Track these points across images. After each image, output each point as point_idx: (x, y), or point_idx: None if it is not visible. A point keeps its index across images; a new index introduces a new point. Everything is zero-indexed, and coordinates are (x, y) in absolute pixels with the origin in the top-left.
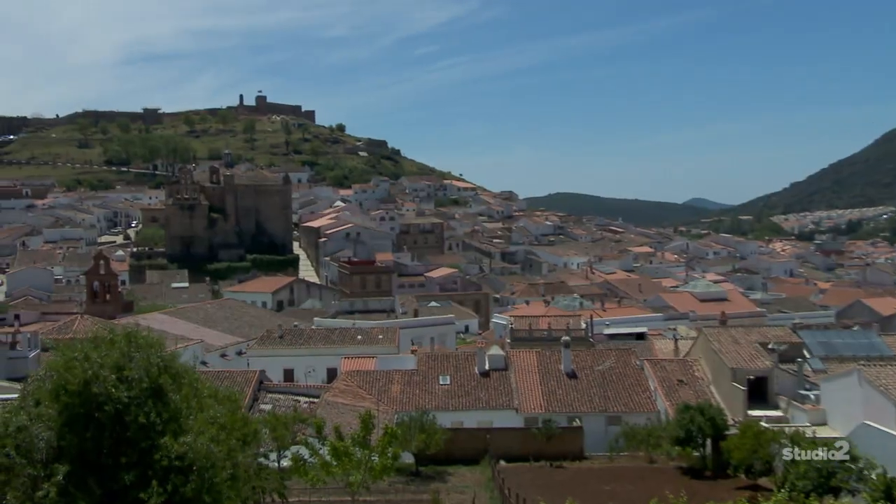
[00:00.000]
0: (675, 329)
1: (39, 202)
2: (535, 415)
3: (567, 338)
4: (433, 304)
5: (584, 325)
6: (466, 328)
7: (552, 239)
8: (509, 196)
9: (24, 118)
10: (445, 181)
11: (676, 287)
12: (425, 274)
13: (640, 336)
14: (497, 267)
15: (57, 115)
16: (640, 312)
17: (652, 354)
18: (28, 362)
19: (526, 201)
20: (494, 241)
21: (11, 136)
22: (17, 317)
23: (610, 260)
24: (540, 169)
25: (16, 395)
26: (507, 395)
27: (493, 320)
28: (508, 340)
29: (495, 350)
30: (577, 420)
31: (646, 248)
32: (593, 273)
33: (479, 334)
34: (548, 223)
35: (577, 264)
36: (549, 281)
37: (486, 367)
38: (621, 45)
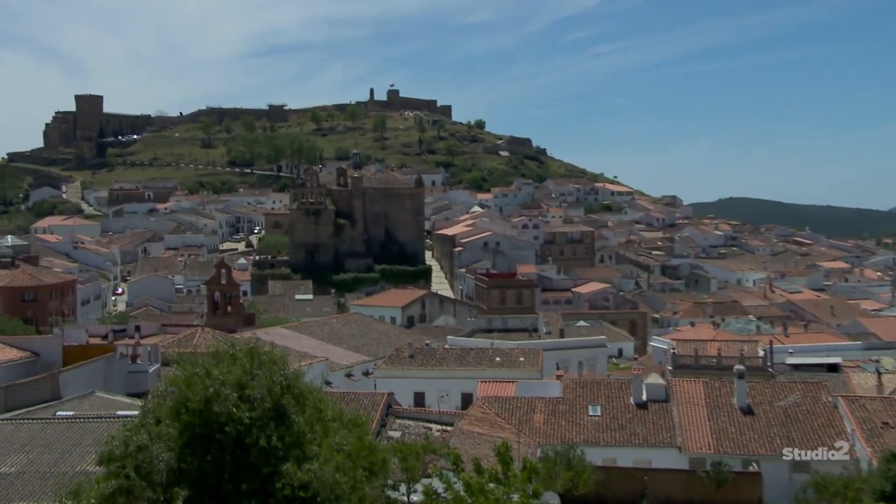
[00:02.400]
0: (877, 361)
1: (161, 206)
2: (703, 455)
3: (741, 367)
4: (582, 323)
5: (761, 353)
6: (620, 352)
7: (723, 251)
8: (672, 201)
9: (148, 116)
10: (597, 184)
11: (879, 311)
12: (573, 289)
13: (833, 368)
14: (657, 282)
15: (180, 113)
16: (833, 340)
17: (848, 390)
18: (148, 377)
19: (692, 207)
20: (654, 252)
21: (135, 136)
22: (137, 328)
23: (794, 276)
24: (709, 170)
25: (136, 412)
26: (668, 430)
27: (652, 344)
28: (670, 368)
29: (654, 378)
30: (753, 464)
31: (840, 264)
32: (773, 292)
33: (635, 359)
34: (718, 232)
35: (754, 281)
36: (719, 300)
37: (644, 397)
38: (811, 24)
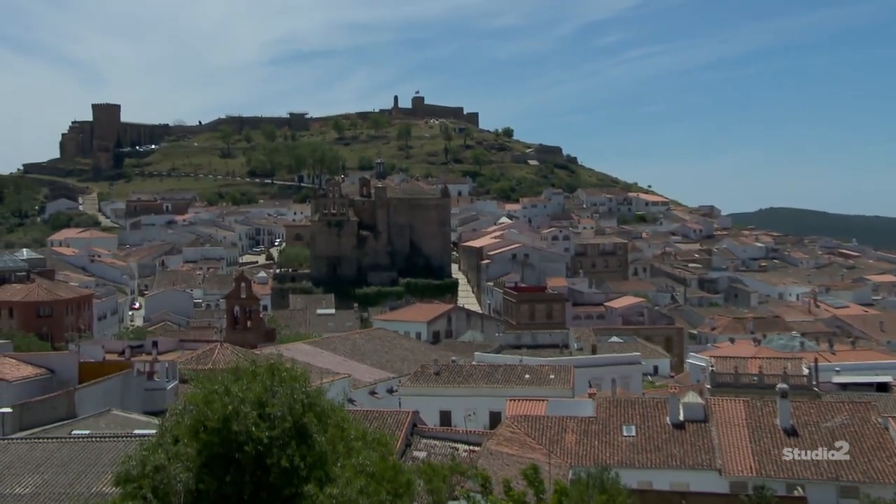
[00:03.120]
0: None
1: (180, 218)
2: (744, 479)
3: (784, 386)
4: (615, 339)
5: (806, 371)
6: (655, 369)
7: (764, 263)
8: (709, 211)
9: (166, 126)
10: (631, 194)
11: None
12: (605, 303)
13: (883, 387)
14: (694, 297)
15: (199, 122)
16: (883, 357)
17: None
18: (166, 394)
19: (731, 217)
20: (690, 265)
21: (153, 146)
22: (155, 344)
23: (841, 290)
24: (749, 179)
25: (153, 431)
26: (707, 452)
27: (689, 361)
28: (708, 386)
29: (692, 397)
30: (798, 489)
31: (889, 277)
32: (818, 306)
33: (672, 377)
34: (758, 244)
35: (797, 295)
36: (760, 315)
37: (681, 417)
38: (855, 27)
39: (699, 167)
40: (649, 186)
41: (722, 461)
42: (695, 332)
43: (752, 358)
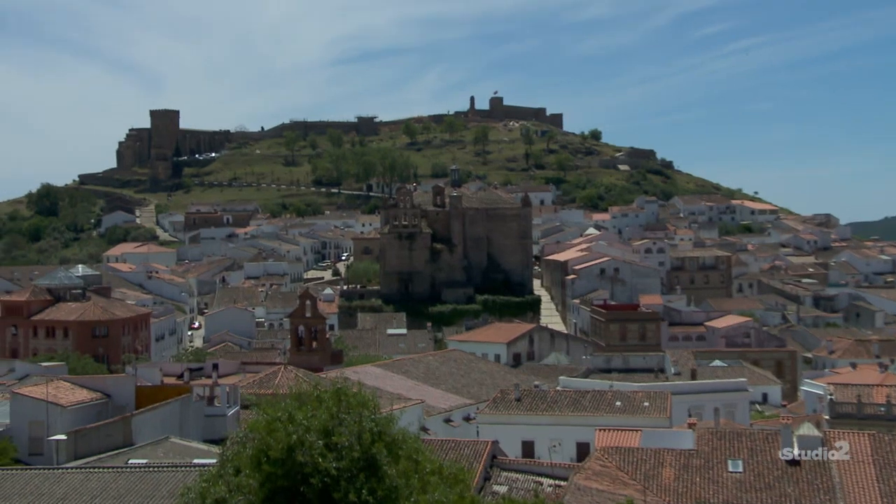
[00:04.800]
0: None
1: (241, 231)
2: None
3: None
4: (717, 362)
5: None
6: (764, 397)
7: (890, 279)
8: (826, 220)
9: (227, 132)
10: (734, 201)
11: None
12: (706, 323)
13: None
14: (808, 316)
15: (262, 128)
16: None
17: None
18: (227, 421)
19: (850, 227)
20: (804, 280)
21: (213, 154)
22: (215, 367)
23: None
24: (871, 184)
25: (213, 461)
26: (826, 492)
27: (804, 388)
28: (827, 417)
29: (808, 429)
30: None
31: None
32: None
33: (784, 406)
34: (883, 257)
35: None
36: (887, 337)
37: (795, 451)
38: None
39: (813, 171)
40: (755, 193)
41: (844, 503)
42: (810, 355)
43: (877, 385)
